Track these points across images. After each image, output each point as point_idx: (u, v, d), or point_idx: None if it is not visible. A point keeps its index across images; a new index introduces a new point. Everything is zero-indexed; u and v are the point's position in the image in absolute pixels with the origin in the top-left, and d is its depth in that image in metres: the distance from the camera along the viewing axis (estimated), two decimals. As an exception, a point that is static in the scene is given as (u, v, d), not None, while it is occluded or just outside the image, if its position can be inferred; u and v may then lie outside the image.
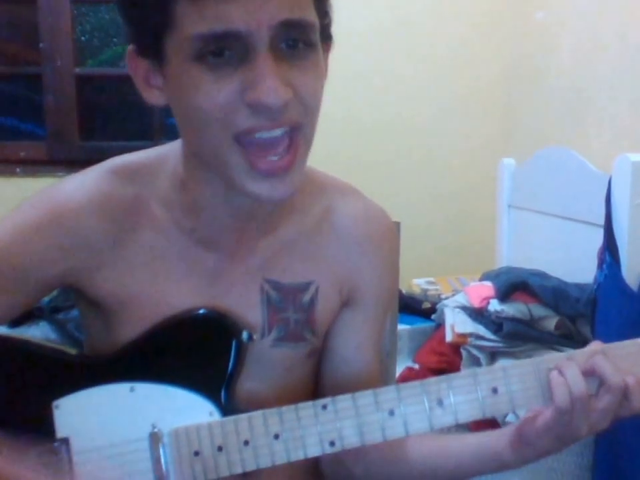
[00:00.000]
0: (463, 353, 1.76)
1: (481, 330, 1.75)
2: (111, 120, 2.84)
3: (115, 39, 2.78)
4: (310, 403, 0.79)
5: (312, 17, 0.73)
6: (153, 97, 0.79)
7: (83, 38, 2.77)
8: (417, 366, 1.88)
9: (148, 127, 2.68)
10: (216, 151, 0.74)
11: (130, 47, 0.77)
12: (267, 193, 0.75)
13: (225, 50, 0.70)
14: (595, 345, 0.81)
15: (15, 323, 1.81)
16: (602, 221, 1.67)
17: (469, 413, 0.78)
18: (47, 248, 0.83)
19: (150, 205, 0.85)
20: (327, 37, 0.78)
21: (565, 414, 0.77)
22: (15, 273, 0.82)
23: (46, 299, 1.87)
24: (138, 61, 0.77)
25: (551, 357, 0.80)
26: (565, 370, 0.78)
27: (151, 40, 0.74)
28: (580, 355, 0.79)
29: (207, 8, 0.68)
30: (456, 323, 1.80)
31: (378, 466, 0.93)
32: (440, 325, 1.90)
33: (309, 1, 0.73)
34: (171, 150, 0.87)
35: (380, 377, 0.98)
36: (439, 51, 2.67)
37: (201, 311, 0.84)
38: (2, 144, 2.66)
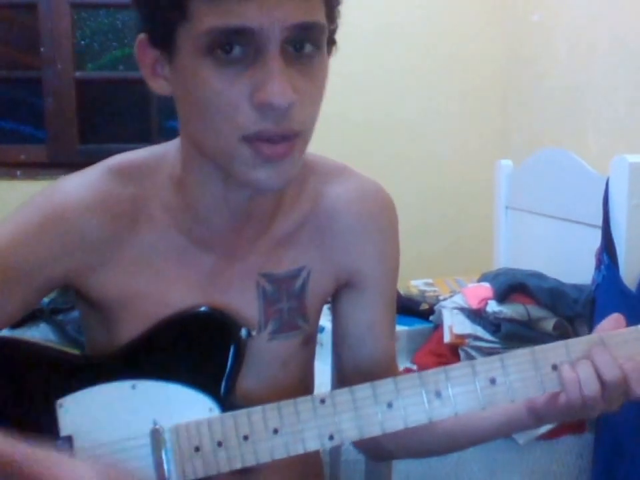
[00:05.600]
0: (461, 354, 1.76)
1: (479, 331, 1.75)
2: (110, 123, 2.85)
3: (114, 43, 2.80)
4: (309, 397, 0.79)
5: (323, 20, 0.74)
6: (159, 86, 0.79)
7: (82, 42, 2.78)
8: (415, 367, 1.88)
9: (147, 129, 2.69)
10: (222, 145, 0.75)
11: (141, 36, 0.78)
12: (265, 180, 0.76)
13: (235, 45, 0.70)
14: (595, 333, 0.81)
15: (15, 324, 1.82)
16: (600, 222, 1.67)
17: (468, 404, 0.78)
18: (48, 247, 0.83)
19: (148, 204, 0.86)
20: (332, 42, 0.80)
21: (576, 407, 0.78)
22: (16, 273, 0.83)
23: (45, 300, 1.87)
24: (147, 50, 0.78)
25: (549, 346, 0.80)
26: (579, 368, 0.77)
27: (163, 30, 0.74)
28: (577, 343, 0.79)
29: (223, 4, 0.69)
30: (454, 324, 1.79)
31: (405, 435, 0.93)
32: (438, 326, 1.90)
33: (321, 5, 0.74)
34: (168, 149, 0.88)
35: (396, 354, 1.00)
36: (435, 52, 2.68)
37: (202, 309, 0.85)
38: (2, 147, 2.67)
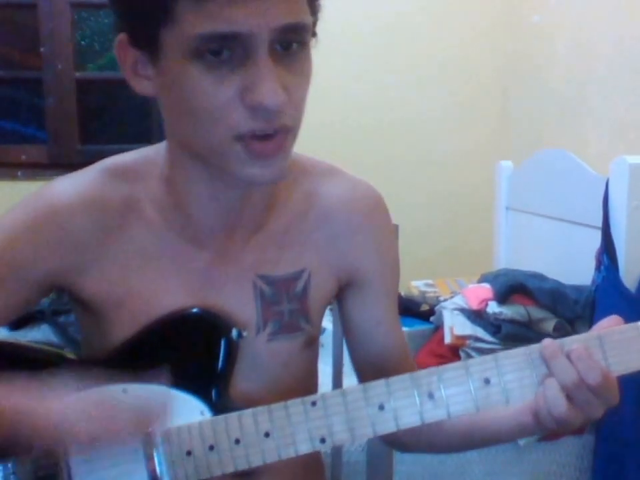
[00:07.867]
0: (462, 355, 1.76)
1: (480, 332, 1.76)
2: (110, 123, 2.85)
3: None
4: (299, 400, 0.78)
5: (308, 18, 0.75)
6: (141, 87, 0.79)
7: (83, 42, 2.78)
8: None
9: (147, 129, 2.69)
10: (214, 145, 0.75)
11: (121, 35, 0.77)
12: (259, 175, 0.77)
13: (223, 49, 0.71)
14: (595, 329, 0.79)
15: (17, 325, 1.82)
16: (600, 223, 1.68)
17: (462, 406, 0.77)
18: (37, 247, 0.83)
19: (141, 204, 0.86)
20: (313, 34, 0.79)
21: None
22: (6, 272, 0.83)
23: (47, 301, 1.87)
24: (128, 50, 0.77)
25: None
26: (546, 389, 0.76)
27: (146, 31, 0.73)
28: (575, 341, 0.77)
29: (210, 9, 0.69)
30: (455, 325, 1.79)
31: (424, 434, 0.93)
32: (438, 327, 1.90)
33: (304, 4, 0.74)
34: (159, 150, 0.88)
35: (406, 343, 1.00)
36: (435, 54, 2.68)
37: (193, 310, 0.85)
38: (3, 147, 2.67)
